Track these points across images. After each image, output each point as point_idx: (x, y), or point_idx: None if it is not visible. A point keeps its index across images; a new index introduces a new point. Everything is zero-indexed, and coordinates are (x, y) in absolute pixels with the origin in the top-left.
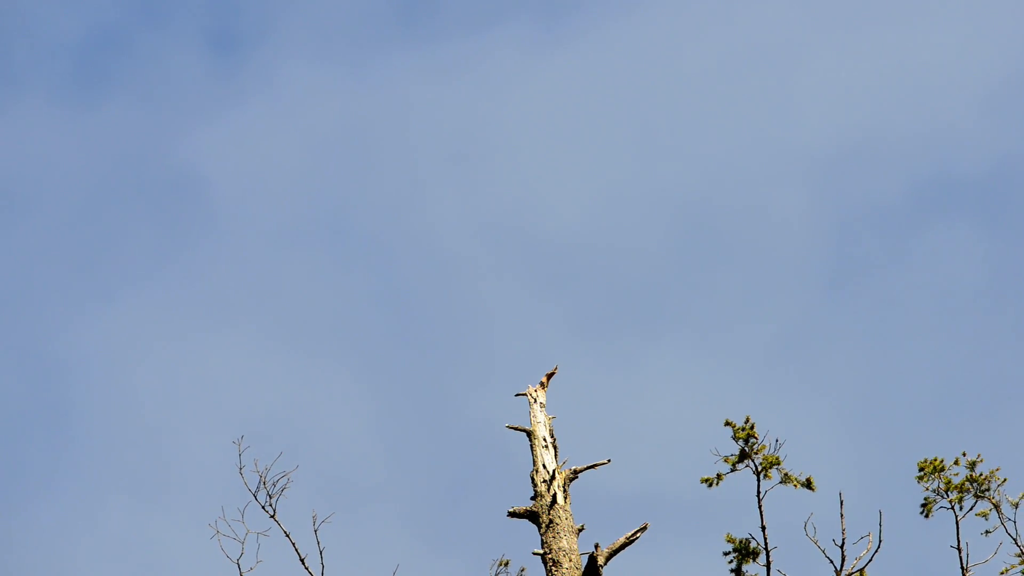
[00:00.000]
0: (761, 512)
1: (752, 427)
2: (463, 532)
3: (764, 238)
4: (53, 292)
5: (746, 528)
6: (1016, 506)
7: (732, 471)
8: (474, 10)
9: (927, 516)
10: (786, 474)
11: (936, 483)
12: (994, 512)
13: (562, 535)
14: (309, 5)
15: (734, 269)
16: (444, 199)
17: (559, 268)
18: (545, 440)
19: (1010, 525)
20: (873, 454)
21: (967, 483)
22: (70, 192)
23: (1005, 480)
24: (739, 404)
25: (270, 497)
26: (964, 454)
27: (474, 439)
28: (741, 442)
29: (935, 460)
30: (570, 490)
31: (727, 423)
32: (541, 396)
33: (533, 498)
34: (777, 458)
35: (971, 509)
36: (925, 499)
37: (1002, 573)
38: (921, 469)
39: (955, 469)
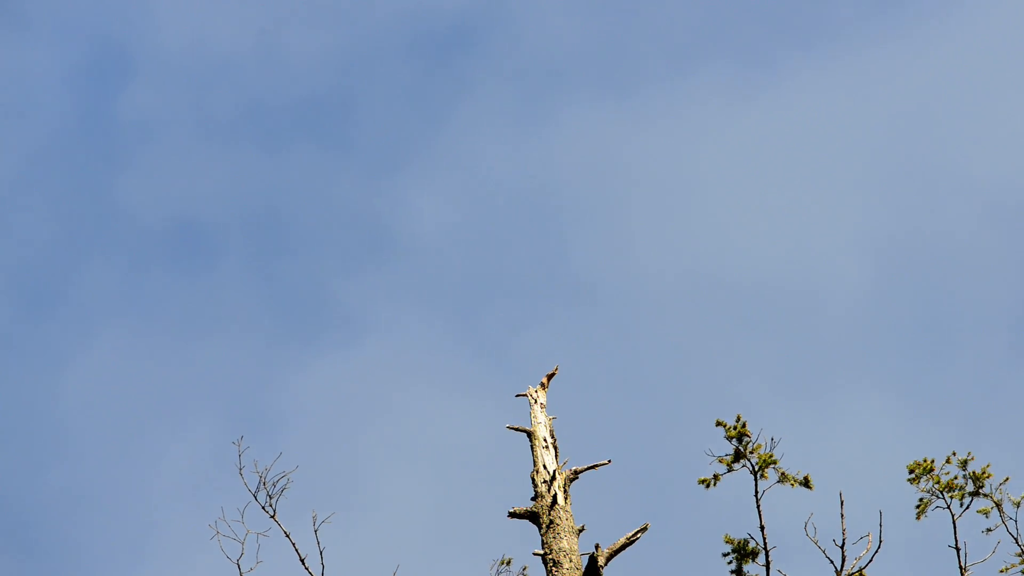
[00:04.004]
0: (759, 512)
1: (744, 426)
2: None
3: (957, 280)
4: (264, 348)
5: (745, 528)
6: (1018, 505)
7: (729, 471)
8: (674, 56)
9: (918, 518)
10: (783, 473)
11: (929, 484)
12: (995, 511)
13: (562, 535)
14: (506, 55)
15: (928, 312)
16: (647, 245)
17: (758, 312)
18: (545, 441)
19: (1011, 524)
20: None
21: (960, 480)
22: (270, 239)
23: (1007, 479)
24: (931, 451)
25: (270, 497)
26: (955, 453)
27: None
28: (735, 441)
29: (925, 461)
30: (570, 490)
31: (718, 423)
32: (542, 397)
33: (534, 498)
34: (772, 456)
35: (968, 508)
36: (920, 500)
37: (1002, 572)
38: (911, 471)
39: (947, 468)
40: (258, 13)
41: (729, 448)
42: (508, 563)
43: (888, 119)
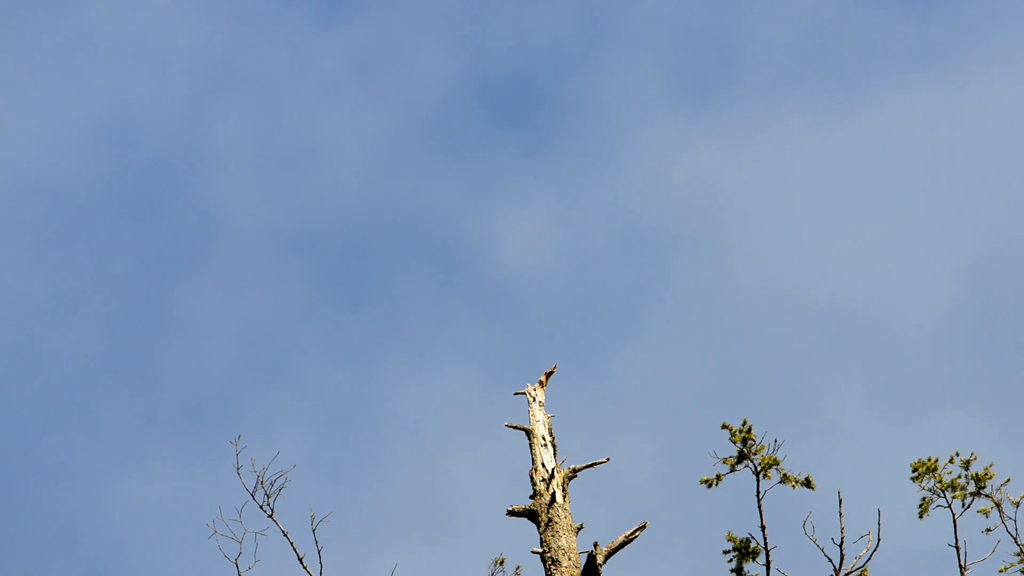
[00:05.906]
0: (761, 512)
1: (750, 429)
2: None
3: None
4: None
5: (746, 527)
6: (1017, 505)
7: (731, 472)
8: (767, 82)
9: (922, 516)
10: (785, 474)
11: (931, 483)
12: (995, 511)
13: (561, 534)
14: (598, 83)
15: (1021, 334)
16: (740, 267)
17: (849, 334)
18: (544, 439)
19: (1011, 524)
20: None
21: (962, 480)
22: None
23: (1008, 480)
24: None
25: (268, 497)
26: (958, 453)
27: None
28: (739, 444)
29: (928, 460)
30: (569, 489)
31: (724, 426)
32: (540, 395)
33: (532, 497)
34: (775, 459)
35: (969, 507)
36: (922, 499)
37: (1001, 571)
38: (915, 470)
39: (949, 468)
40: (359, 45)
41: (733, 450)
42: (502, 563)
43: (977, 144)
